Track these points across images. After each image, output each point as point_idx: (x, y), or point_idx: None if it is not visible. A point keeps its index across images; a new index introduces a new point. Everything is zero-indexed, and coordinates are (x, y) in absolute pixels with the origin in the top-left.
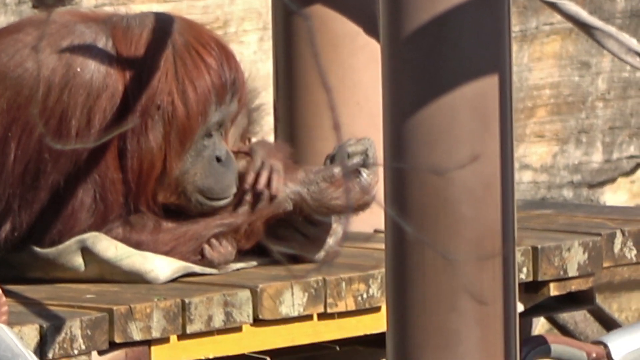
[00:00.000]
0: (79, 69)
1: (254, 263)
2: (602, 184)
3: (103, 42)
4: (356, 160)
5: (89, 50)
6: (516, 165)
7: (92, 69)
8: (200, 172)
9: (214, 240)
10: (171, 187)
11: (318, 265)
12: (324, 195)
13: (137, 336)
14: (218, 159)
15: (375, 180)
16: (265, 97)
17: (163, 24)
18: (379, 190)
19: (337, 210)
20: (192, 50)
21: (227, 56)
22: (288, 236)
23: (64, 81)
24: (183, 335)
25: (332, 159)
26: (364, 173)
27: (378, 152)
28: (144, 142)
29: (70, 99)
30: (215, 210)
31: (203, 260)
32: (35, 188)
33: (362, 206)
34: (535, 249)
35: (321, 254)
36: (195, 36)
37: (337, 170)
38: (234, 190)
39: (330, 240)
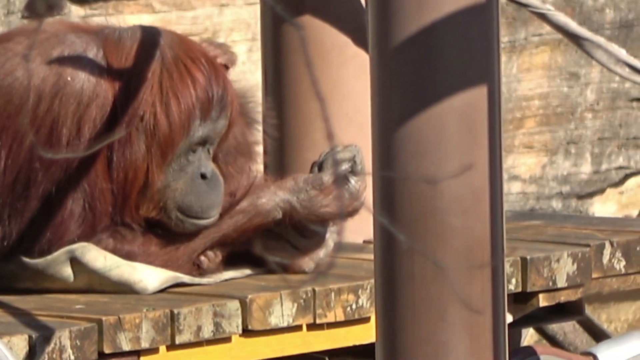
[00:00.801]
0: (69, 78)
1: (248, 272)
2: (591, 195)
3: (94, 52)
4: (344, 167)
5: (79, 60)
6: (505, 176)
7: (82, 78)
8: (182, 188)
9: (210, 252)
10: (153, 201)
11: (311, 276)
12: (313, 203)
13: (126, 346)
14: (203, 176)
15: (364, 186)
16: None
17: (154, 37)
18: (368, 198)
19: (327, 218)
20: (181, 63)
21: (216, 72)
22: (279, 247)
23: (54, 90)
24: (172, 346)
25: (319, 166)
26: (353, 180)
27: (367, 162)
28: (128, 153)
29: (61, 108)
30: (197, 229)
31: (196, 270)
32: (26, 197)
33: (351, 212)
34: (524, 260)
35: (312, 266)
36: (185, 50)
37: (326, 177)
38: (216, 211)
39: (322, 253)
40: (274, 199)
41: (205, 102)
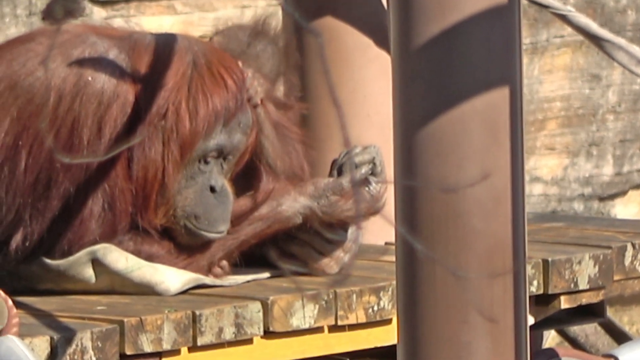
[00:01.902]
0: (90, 78)
1: (266, 275)
2: (612, 196)
3: (115, 53)
4: (364, 169)
5: (100, 60)
6: (527, 178)
7: (103, 79)
8: (191, 197)
9: (224, 262)
10: (166, 206)
11: (334, 278)
12: (334, 208)
13: (147, 348)
14: (212, 189)
15: (384, 187)
16: None
17: (179, 43)
18: (390, 203)
19: (348, 222)
20: (214, 69)
21: (247, 87)
22: (303, 253)
23: (75, 90)
24: (194, 347)
25: (339, 169)
26: (373, 182)
27: (388, 164)
28: (147, 151)
29: (82, 108)
30: (204, 242)
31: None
32: (47, 197)
33: (372, 214)
34: (545, 262)
35: (335, 269)
36: (219, 59)
37: (346, 182)
38: (224, 227)
39: (346, 257)
40: (294, 205)
41: (232, 108)
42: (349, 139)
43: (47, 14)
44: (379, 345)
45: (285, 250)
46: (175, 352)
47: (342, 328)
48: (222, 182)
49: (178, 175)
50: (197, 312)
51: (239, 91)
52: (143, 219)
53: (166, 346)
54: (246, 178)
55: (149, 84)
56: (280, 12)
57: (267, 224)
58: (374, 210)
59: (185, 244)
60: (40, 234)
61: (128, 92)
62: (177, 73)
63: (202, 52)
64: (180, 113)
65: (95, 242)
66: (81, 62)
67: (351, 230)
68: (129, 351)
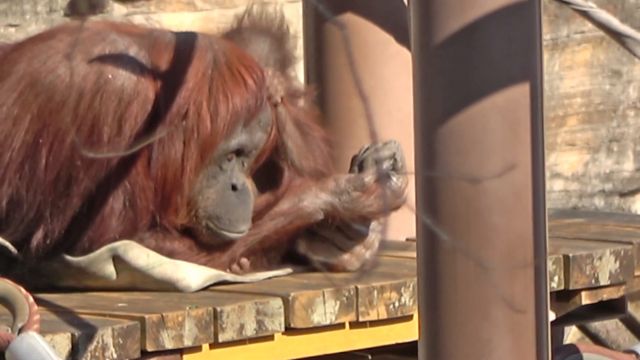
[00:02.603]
0: (110, 76)
1: (289, 270)
2: (633, 192)
3: (135, 50)
4: (385, 165)
5: (120, 58)
6: (547, 174)
7: (123, 76)
8: (213, 197)
9: (244, 260)
10: (186, 207)
11: (355, 275)
12: (356, 204)
13: (169, 345)
14: (234, 187)
15: (406, 183)
16: None
17: (200, 41)
18: (411, 196)
19: (369, 217)
20: (234, 68)
21: (267, 86)
22: (324, 248)
23: (95, 88)
24: (215, 344)
25: (359, 165)
26: (394, 177)
27: (408, 160)
28: (167, 150)
29: (102, 105)
30: (225, 242)
31: (232, 269)
32: (67, 195)
33: (394, 209)
34: (566, 258)
35: (357, 265)
36: (239, 58)
37: (367, 178)
38: (246, 226)
39: (367, 253)
40: (315, 201)
41: (252, 108)
42: (375, 131)
43: (72, 8)
44: (400, 341)
45: (312, 244)
46: (197, 348)
47: (363, 324)
48: (243, 180)
49: (199, 175)
50: (218, 309)
51: (259, 90)
52: (163, 218)
53: (187, 343)
54: (268, 176)
55: (169, 82)
56: (300, 6)
57: (288, 220)
58: (396, 205)
59: (206, 242)
60: (61, 232)
61: (148, 90)
62: (198, 72)
63: (222, 51)
64: (202, 113)
65: (115, 240)
66: (101, 60)
67: (373, 226)
68: (150, 348)
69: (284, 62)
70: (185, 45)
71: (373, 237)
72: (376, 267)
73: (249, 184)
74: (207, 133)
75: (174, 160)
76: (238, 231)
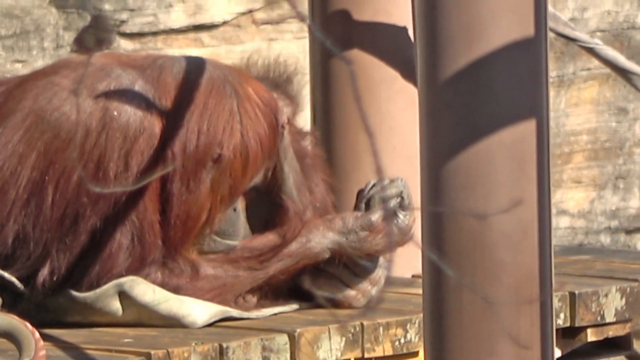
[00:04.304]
0: (115, 113)
1: (295, 306)
2: (639, 229)
3: (140, 85)
4: (392, 203)
5: (125, 93)
6: (553, 210)
7: (129, 112)
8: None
9: (250, 296)
10: (201, 237)
11: (360, 311)
12: (363, 244)
13: None
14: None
15: (413, 220)
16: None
17: (208, 70)
18: (417, 232)
19: (377, 255)
20: (254, 104)
21: (279, 111)
22: (330, 284)
23: (101, 124)
24: None
25: (367, 202)
26: (401, 215)
27: (415, 196)
28: (192, 189)
29: (108, 142)
30: (233, 277)
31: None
32: (74, 232)
33: (401, 246)
34: (572, 295)
35: (363, 302)
36: (254, 89)
37: (374, 217)
38: (243, 234)
39: (373, 290)
40: (323, 241)
41: (276, 145)
42: (381, 166)
43: (79, 44)
44: None
45: (317, 280)
46: None
47: None
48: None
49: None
50: (224, 345)
51: (279, 125)
52: (176, 252)
53: None
54: (273, 212)
55: (175, 115)
56: (307, 42)
57: (295, 260)
58: (403, 242)
59: (217, 274)
60: (68, 268)
61: (154, 125)
62: (224, 110)
63: (238, 83)
64: (235, 157)
65: (123, 275)
66: (106, 96)
67: (380, 262)
68: None
69: (291, 106)
70: (196, 75)
71: (379, 274)
72: (381, 303)
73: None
74: (239, 176)
75: (198, 200)
76: (236, 238)
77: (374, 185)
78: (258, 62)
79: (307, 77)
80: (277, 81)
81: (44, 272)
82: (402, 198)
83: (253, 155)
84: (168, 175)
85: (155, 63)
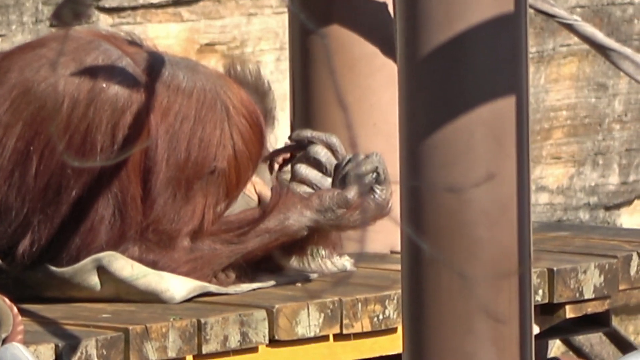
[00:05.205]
0: (104, 85)
1: (273, 282)
2: (618, 206)
3: (127, 60)
4: (368, 179)
5: (114, 67)
6: (532, 187)
7: (117, 85)
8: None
9: (221, 274)
10: None
11: (333, 284)
12: (341, 221)
13: (152, 356)
14: None
15: (390, 194)
16: (282, 117)
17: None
18: (395, 207)
19: (354, 230)
20: (245, 119)
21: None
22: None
23: (89, 97)
24: (199, 355)
25: (342, 179)
26: (378, 190)
27: (394, 173)
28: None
29: (95, 115)
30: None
31: (217, 280)
32: (57, 203)
33: (379, 219)
34: (551, 271)
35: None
36: (240, 99)
37: (350, 194)
38: None
39: (348, 264)
40: (301, 219)
41: (260, 156)
42: (355, 139)
43: (56, 17)
44: (384, 354)
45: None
46: (181, 359)
47: (347, 337)
48: None
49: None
50: (202, 320)
51: (263, 134)
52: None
53: (171, 354)
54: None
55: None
56: (286, 17)
57: (274, 237)
58: (381, 217)
59: (195, 249)
60: (48, 240)
61: (142, 99)
62: (215, 125)
63: (228, 96)
64: (230, 171)
65: (103, 249)
66: (95, 69)
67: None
68: (133, 359)
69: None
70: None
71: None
72: (351, 277)
73: None
74: (233, 187)
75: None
76: None
77: (349, 161)
78: (239, 68)
79: (287, 52)
80: (256, 90)
81: (24, 244)
82: (378, 173)
83: (244, 170)
84: (155, 182)
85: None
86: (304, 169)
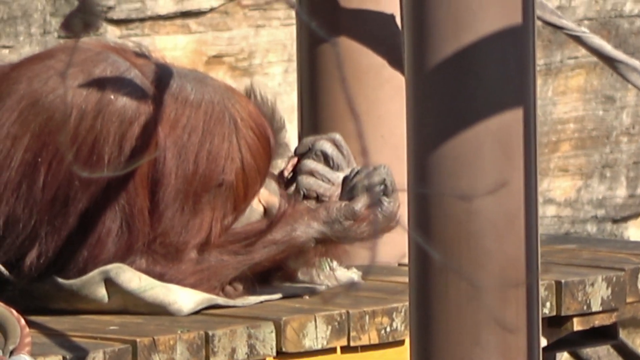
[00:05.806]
0: (112, 97)
1: (279, 295)
2: (625, 219)
3: (136, 72)
4: (376, 191)
5: (122, 78)
6: (540, 199)
7: (125, 97)
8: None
9: (228, 287)
10: None
11: (339, 293)
12: (348, 233)
13: None
14: None
15: (397, 206)
16: (290, 129)
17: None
18: (403, 218)
19: (361, 242)
20: (253, 132)
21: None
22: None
23: (97, 108)
24: None
25: (350, 191)
26: (385, 201)
27: (402, 184)
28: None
29: (103, 126)
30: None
31: (224, 293)
32: (64, 214)
33: (387, 232)
34: (558, 284)
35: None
36: (249, 112)
37: (358, 206)
38: None
39: (356, 276)
40: (308, 231)
41: (268, 169)
42: (366, 149)
43: (66, 27)
44: None
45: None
46: None
47: (354, 349)
48: None
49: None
50: (210, 333)
51: (271, 146)
52: (162, 239)
53: None
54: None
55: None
56: (294, 29)
57: (281, 249)
58: (388, 229)
59: (202, 261)
60: (56, 252)
61: (150, 111)
62: (223, 139)
63: (236, 109)
64: (238, 184)
65: (110, 261)
66: (103, 80)
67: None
68: None
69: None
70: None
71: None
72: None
73: None
74: (240, 200)
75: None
76: None
77: (357, 173)
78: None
79: (295, 64)
80: (270, 125)
81: (31, 255)
82: (386, 185)
83: (252, 183)
84: (162, 194)
85: (149, 66)
86: (311, 163)
